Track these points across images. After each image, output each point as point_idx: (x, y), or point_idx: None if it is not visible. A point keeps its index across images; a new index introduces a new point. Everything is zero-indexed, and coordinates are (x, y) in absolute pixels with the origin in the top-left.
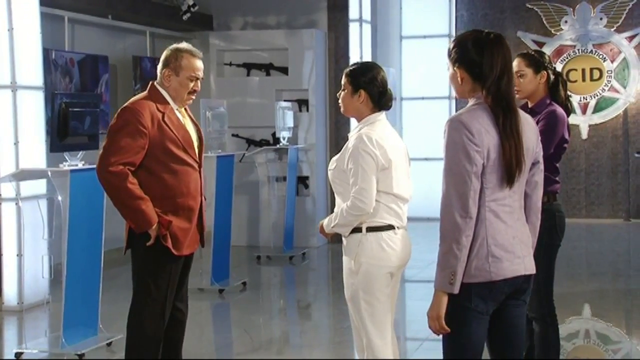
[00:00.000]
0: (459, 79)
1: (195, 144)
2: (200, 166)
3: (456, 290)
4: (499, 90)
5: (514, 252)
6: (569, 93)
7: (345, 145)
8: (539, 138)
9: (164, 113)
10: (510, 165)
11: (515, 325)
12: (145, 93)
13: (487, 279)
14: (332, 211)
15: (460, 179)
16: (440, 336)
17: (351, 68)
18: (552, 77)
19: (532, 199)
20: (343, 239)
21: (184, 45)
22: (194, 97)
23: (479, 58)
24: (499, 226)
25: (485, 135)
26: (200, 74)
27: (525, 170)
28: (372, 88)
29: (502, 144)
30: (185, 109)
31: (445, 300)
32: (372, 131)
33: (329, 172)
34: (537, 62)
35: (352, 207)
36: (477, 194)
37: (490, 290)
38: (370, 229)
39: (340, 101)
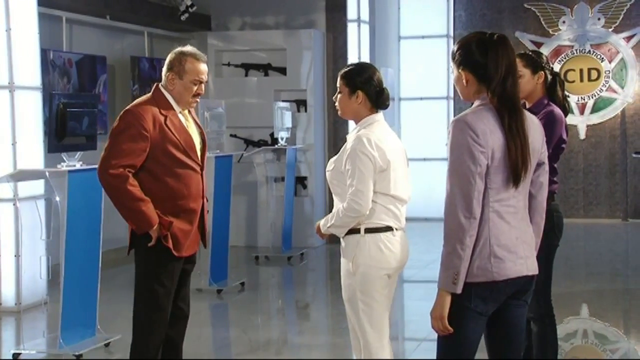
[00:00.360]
0: (464, 81)
1: (198, 146)
2: (202, 169)
3: (459, 290)
4: (504, 91)
5: (516, 253)
6: (566, 93)
7: (343, 146)
8: (544, 139)
9: (167, 116)
10: (516, 165)
11: (516, 325)
12: (148, 95)
13: (489, 279)
14: (330, 211)
15: (464, 180)
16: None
17: (346, 69)
18: (549, 77)
19: (537, 200)
20: (341, 240)
21: (188, 48)
22: (198, 100)
23: (483, 59)
24: (502, 227)
25: (490, 136)
26: (205, 77)
27: (531, 170)
28: (370, 88)
29: (508, 144)
30: (189, 112)
31: (448, 300)
32: (370, 132)
33: (327, 173)
34: (534, 62)
35: (348, 208)
36: (481, 195)
37: (491, 290)
38: (369, 230)
39: (337, 104)
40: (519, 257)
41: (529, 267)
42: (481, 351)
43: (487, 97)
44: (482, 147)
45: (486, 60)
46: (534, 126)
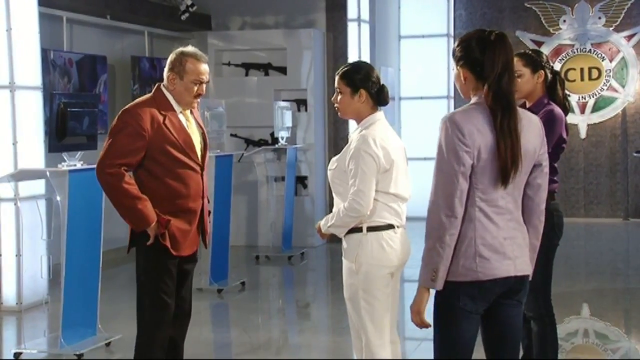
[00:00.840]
0: (462, 78)
1: (198, 147)
2: (202, 169)
3: (438, 286)
4: (500, 88)
5: (504, 253)
6: (567, 92)
7: (347, 146)
8: (544, 140)
9: (166, 116)
10: (505, 165)
11: (511, 325)
12: (149, 95)
13: (475, 278)
14: (330, 211)
15: (448, 179)
16: (418, 335)
17: (344, 70)
18: (549, 76)
19: (534, 201)
20: (343, 240)
21: (189, 48)
22: (198, 101)
23: (481, 57)
24: (489, 227)
25: (477, 136)
26: (205, 77)
27: (523, 171)
28: (371, 85)
29: (498, 144)
30: (191, 112)
31: (427, 296)
32: (374, 132)
33: (329, 172)
34: (534, 61)
35: (349, 208)
36: (464, 194)
37: (479, 289)
38: (371, 229)
39: (337, 105)
40: (506, 258)
41: (518, 267)
42: (480, 352)
43: (482, 95)
44: (467, 147)
45: (484, 58)
46: (531, 127)
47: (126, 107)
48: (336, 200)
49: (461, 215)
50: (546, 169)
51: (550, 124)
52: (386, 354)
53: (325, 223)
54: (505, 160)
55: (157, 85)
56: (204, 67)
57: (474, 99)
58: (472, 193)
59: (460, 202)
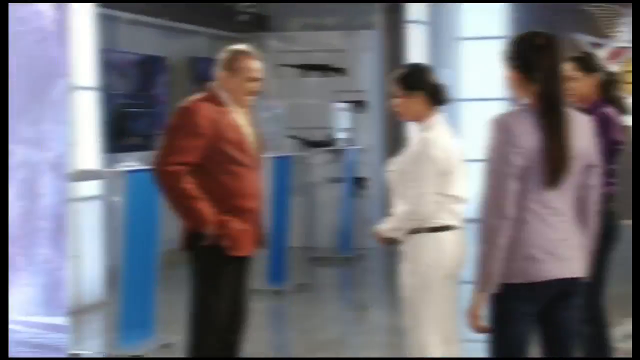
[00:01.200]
0: (511, 80)
1: (253, 145)
2: (258, 168)
3: (492, 290)
4: (547, 91)
5: (557, 255)
6: (624, 93)
7: (408, 147)
8: (596, 141)
9: (221, 114)
10: (554, 166)
11: (566, 327)
12: (204, 94)
13: (527, 280)
14: (388, 212)
15: (498, 181)
16: (476, 336)
17: (399, 73)
18: (603, 78)
19: (587, 203)
20: (402, 241)
21: (241, 46)
22: (253, 98)
23: (529, 59)
24: (541, 228)
25: (528, 137)
26: (259, 74)
27: (574, 172)
28: (427, 86)
29: (547, 146)
30: (245, 111)
31: (482, 299)
32: (436, 134)
33: (390, 174)
34: (587, 64)
35: (410, 211)
36: (516, 196)
37: (531, 291)
38: (430, 230)
39: (396, 108)
40: (559, 259)
41: (573, 269)
42: (535, 352)
43: (531, 97)
44: (517, 148)
45: (532, 60)
46: (581, 127)
47: (183, 104)
48: (395, 202)
49: (513, 217)
50: (599, 170)
51: (604, 125)
52: (438, 354)
53: (385, 227)
54: (554, 161)
55: (210, 84)
56: (257, 64)
57: (523, 101)
58: (524, 195)
59: (511, 204)
